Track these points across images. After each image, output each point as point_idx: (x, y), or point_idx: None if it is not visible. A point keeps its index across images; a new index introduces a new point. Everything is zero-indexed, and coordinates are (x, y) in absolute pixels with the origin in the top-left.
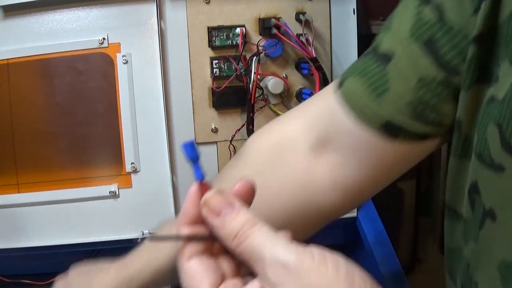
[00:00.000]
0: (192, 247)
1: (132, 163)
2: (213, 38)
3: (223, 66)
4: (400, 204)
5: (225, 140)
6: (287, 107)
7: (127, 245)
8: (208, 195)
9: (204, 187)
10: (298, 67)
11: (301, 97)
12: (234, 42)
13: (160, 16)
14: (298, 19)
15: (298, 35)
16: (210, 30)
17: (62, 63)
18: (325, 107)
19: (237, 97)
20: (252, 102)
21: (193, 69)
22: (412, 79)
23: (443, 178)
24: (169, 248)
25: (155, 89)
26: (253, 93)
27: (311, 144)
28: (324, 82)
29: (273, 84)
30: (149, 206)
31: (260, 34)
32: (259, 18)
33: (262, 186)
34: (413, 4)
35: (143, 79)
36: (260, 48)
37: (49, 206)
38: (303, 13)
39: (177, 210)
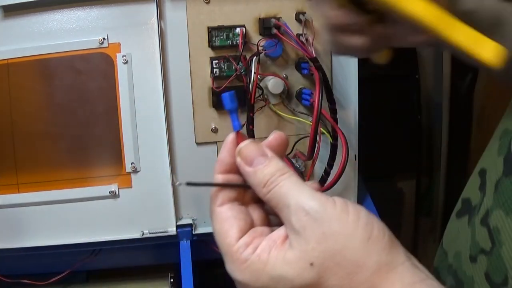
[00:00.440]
0: (225, 194)
1: (132, 163)
2: (213, 38)
3: (223, 66)
4: (400, 204)
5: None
6: (287, 107)
7: (127, 245)
8: (242, 144)
9: (240, 137)
10: (298, 67)
11: (301, 97)
12: (234, 42)
13: (160, 16)
14: (298, 19)
15: (298, 35)
16: (210, 30)
17: (62, 63)
18: None
19: (237, 97)
20: (252, 102)
21: (193, 69)
22: None
23: (443, 178)
24: None
25: (155, 89)
26: (253, 93)
27: None
28: (324, 82)
29: (273, 84)
30: (149, 206)
31: (260, 34)
32: (259, 18)
33: None
34: None
35: (143, 79)
36: (260, 48)
37: (49, 206)
38: (303, 13)
39: (177, 210)
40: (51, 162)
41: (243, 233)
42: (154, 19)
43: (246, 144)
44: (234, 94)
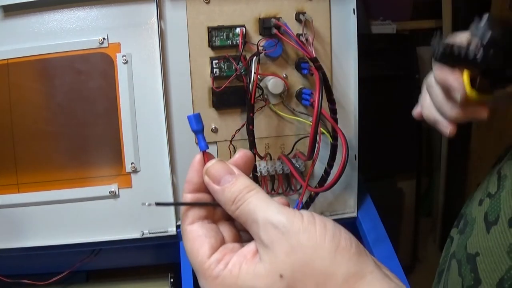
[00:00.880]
0: (195, 213)
1: (132, 163)
2: (213, 38)
3: (223, 66)
4: (400, 204)
5: (225, 140)
6: (287, 107)
7: (127, 245)
8: (209, 164)
9: (207, 157)
10: (298, 67)
11: (301, 97)
12: (234, 42)
13: (160, 16)
14: (298, 19)
15: (298, 35)
16: (210, 30)
17: (62, 63)
18: None
19: (237, 97)
20: (252, 102)
21: (193, 69)
22: None
23: (443, 178)
24: None
25: (155, 89)
26: (253, 93)
27: None
28: (324, 82)
29: (273, 84)
30: (149, 206)
31: (260, 34)
32: (259, 18)
33: None
34: None
35: (143, 79)
36: (260, 48)
37: (49, 206)
38: (303, 13)
39: (177, 210)
40: (51, 162)
41: (214, 250)
42: (154, 19)
43: (213, 163)
44: (199, 115)
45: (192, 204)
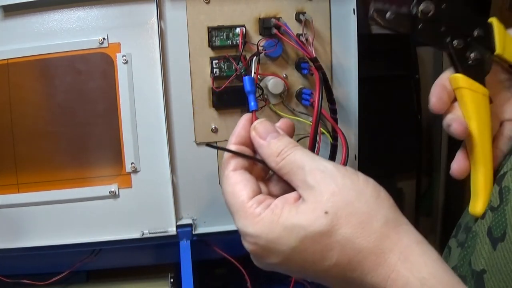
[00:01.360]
0: (238, 161)
1: (132, 163)
2: (213, 38)
3: (223, 66)
4: (400, 204)
5: (225, 140)
6: (287, 107)
7: (127, 245)
8: (257, 121)
9: (255, 116)
10: (298, 67)
11: (301, 97)
12: (234, 42)
13: (160, 16)
14: (298, 19)
15: (298, 35)
16: (210, 30)
17: (62, 63)
18: None
19: (237, 97)
20: None
21: (193, 69)
22: None
23: (443, 178)
24: None
25: (155, 89)
26: None
27: None
28: (324, 82)
29: (273, 84)
30: (149, 206)
31: (260, 34)
32: (259, 18)
33: None
34: None
35: (143, 79)
36: (260, 48)
37: (49, 206)
38: (303, 13)
39: (177, 210)
40: (51, 162)
41: (255, 194)
42: (154, 19)
43: (260, 121)
44: (253, 78)
45: (236, 153)
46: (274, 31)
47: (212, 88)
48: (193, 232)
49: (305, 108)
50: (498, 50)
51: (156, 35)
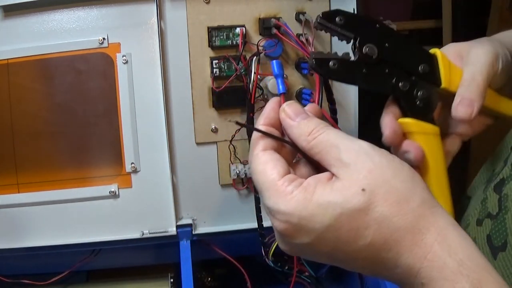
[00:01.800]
0: (268, 142)
1: (132, 163)
2: (213, 38)
3: (223, 66)
4: None
5: (225, 140)
6: None
7: (127, 245)
8: (287, 103)
9: (284, 99)
10: (298, 67)
11: (301, 97)
12: (234, 42)
13: (160, 16)
14: (298, 19)
15: (298, 35)
16: (210, 30)
17: (62, 63)
18: None
19: (237, 97)
20: (252, 102)
21: (193, 69)
22: None
23: None
24: None
25: (155, 89)
26: (253, 93)
27: None
28: (324, 82)
29: (273, 84)
30: (149, 206)
31: (260, 34)
32: (259, 18)
33: None
34: None
35: (143, 79)
36: (260, 48)
37: (49, 206)
38: (303, 13)
39: (177, 210)
40: (51, 162)
41: (286, 173)
42: (154, 19)
43: (289, 103)
44: (281, 62)
45: (266, 134)
46: (274, 31)
47: (212, 88)
48: (193, 232)
49: None
50: (444, 83)
51: (156, 35)
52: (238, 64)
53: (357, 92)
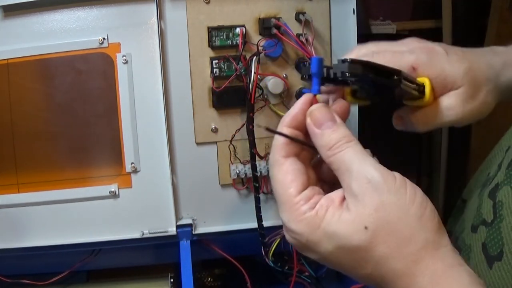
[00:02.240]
0: (291, 147)
1: (132, 163)
2: (213, 38)
3: (223, 66)
4: None
5: (225, 140)
6: (287, 107)
7: (127, 245)
8: (314, 106)
9: (315, 101)
10: (298, 67)
11: (301, 97)
12: (234, 42)
13: (160, 16)
14: (298, 19)
15: (298, 35)
16: (210, 30)
17: (62, 63)
18: None
19: (237, 97)
20: (252, 102)
21: (193, 69)
22: None
23: (443, 178)
24: None
25: (155, 89)
26: (253, 93)
27: None
28: None
29: (273, 84)
30: (149, 206)
31: (260, 34)
32: (259, 18)
33: None
34: None
35: (143, 79)
36: (260, 48)
37: (49, 206)
38: (303, 13)
39: (177, 210)
40: (51, 162)
41: (305, 187)
42: (154, 19)
43: (318, 106)
44: (323, 61)
45: (293, 139)
46: (274, 31)
47: (212, 88)
48: (193, 232)
49: None
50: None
51: (156, 35)
52: (238, 64)
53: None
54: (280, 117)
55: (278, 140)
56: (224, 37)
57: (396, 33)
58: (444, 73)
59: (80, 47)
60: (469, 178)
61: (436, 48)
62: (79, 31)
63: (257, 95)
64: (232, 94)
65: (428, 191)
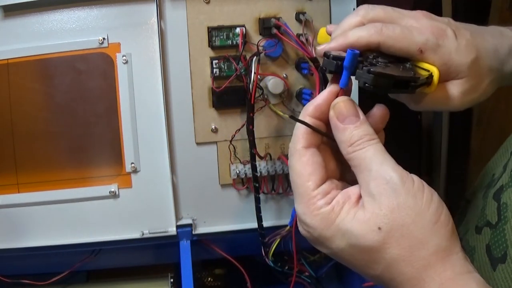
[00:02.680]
0: (312, 138)
1: (132, 163)
2: (213, 38)
3: (223, 66)
4: None
5: (225, 140)
6: (287, 107)
7: (127, 245)
8: (339, 99)
9: (341, 94)
10: (298, 67)
11: (301, 97)
12: (234, 42)
13: (160, 16)
14: (298, 19)
15: (298, 35)
16: (210, 30)
17: (62, 63)
18: None
19: (237, 97)
20: (252, 102)
21: (193, 69)
22: None
23: (443, 178)
24: None
25: (155, 89)
26: (253, 93)
27: None
28: (324, 82)
29: (273, 84)
30: (149, 206)
31: (260, 34)
32: (259, 18)
33: None
34: None
35: (143, 79)
36: (260, 48)
37: (49, 206)
38: (303, 13)
39: (177, 210)
40: (51, 162)
41: (323, 181)
42: (154, 19)
43: (343, 99)
44: (357, 56)
45: (316, 130)
46: (274, 31)
47: (212, 88)
48: (193, 232)
49: None
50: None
51: (156, 35)
52: (238, 64)
53: (357, 92)
54: (280, 117)
55: (300, 130)
56: (224, 37)
57: None
58: (450, 61)
59: (80, 47)
60: (469, 178)
61: (447, 31)
62: (79, 31)
63: (257, 95)
64: (232, 94)
65: None
